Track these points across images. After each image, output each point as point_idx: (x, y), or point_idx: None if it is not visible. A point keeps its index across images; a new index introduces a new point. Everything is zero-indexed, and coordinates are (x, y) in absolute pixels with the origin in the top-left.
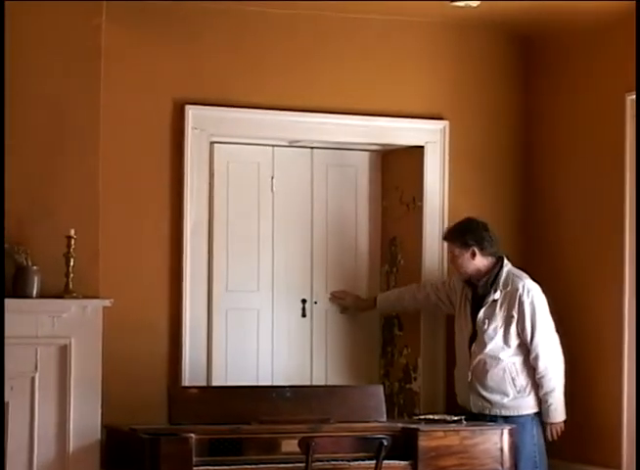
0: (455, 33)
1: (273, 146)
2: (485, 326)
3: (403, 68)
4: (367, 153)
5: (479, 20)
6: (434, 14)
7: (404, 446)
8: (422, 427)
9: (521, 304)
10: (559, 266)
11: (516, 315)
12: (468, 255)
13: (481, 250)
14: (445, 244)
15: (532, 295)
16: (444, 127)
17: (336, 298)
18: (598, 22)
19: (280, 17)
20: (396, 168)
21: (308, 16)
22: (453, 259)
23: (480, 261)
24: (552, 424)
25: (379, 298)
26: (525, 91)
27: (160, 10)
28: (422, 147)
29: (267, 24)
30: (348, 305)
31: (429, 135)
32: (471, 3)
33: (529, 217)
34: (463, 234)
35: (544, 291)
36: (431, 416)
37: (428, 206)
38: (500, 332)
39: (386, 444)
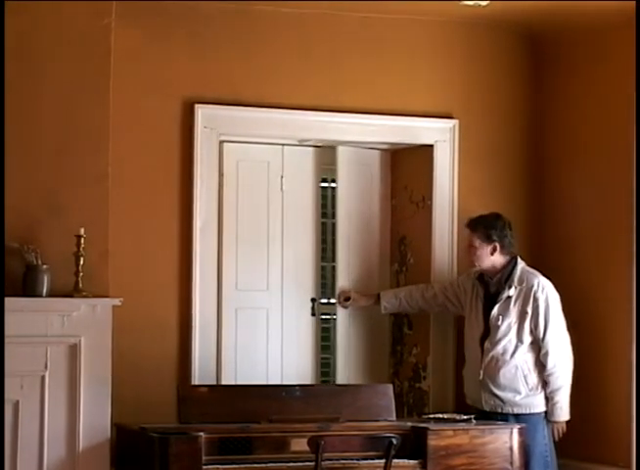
0: (465, 32)
1: (283, 145)
2: (499, 323)
3: (413, 66)
4: (377, 151)
5: (489, 19)
6: (443, 13)
7: (414, 445)
8: (431, 426)
9: (535, 300)
10: (568, 265)
11: (530, 311)
12: (488, 249)
13: (502, 248)
14: (455, 238)
15: (547, 292)
16: (454, 126)
17: (344, 300)
18: (608, 20)
19: (289, 16)
20: (406, 167)
21: (318, 15)
22: (471, 250)
23: (498, 259)
24: (556, 423)
25: (383, 293)
26: (535, 90)
27: (169, 9)
28: (431, 146)
29: (277, 24)
30: (356, 299)
31: (438, 134)
32: (480, 2)
33: (539, 216)
34: (488, 228)
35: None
36: (440, 415)
37: (437, 204)
38: (514, 328)
39: (395, 443)
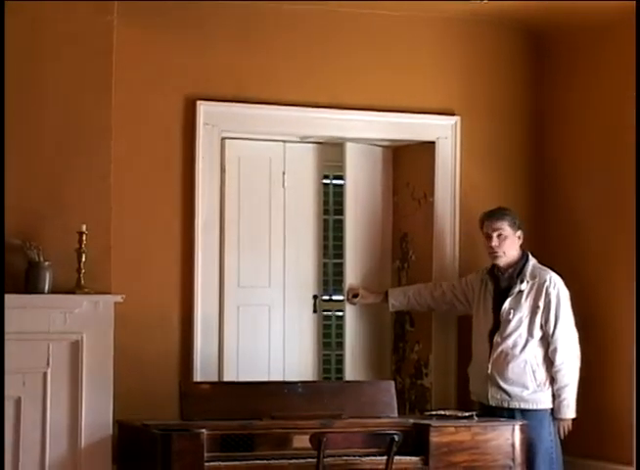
0: (467, 29)
1: (284, 141)
2: (510, 316)
3: (415, 63)
4: (379, 148)
5: (490, 16)
6: (445, 10)
7: (416, 441)
8: (433, 423)
9: (547, 295)
10: (570, 262)
11: (541, 306)
12: (516, 237)
13: (522, 238)
14: (457, 235)
15: (558, 288)
16: (456, 123)
17: (352, 296)
18: (609, 18)
19: (291, 12)
20: (408, 164)
21: (320, 11)
22: (501, 240)
23: (517, 250)
24: (562, 420)
25: (391, 290)
26: (537, 87)
27: (170, 7)
28: (433, 142)
29: (278, 20)
30: (364, 296)
31: (440, 131)
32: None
33: (541, 212)
34: (513, 217)
35: None
36: (442, 412)
37: (439, 201)
38: (525, 322)
39: (397, 439)
